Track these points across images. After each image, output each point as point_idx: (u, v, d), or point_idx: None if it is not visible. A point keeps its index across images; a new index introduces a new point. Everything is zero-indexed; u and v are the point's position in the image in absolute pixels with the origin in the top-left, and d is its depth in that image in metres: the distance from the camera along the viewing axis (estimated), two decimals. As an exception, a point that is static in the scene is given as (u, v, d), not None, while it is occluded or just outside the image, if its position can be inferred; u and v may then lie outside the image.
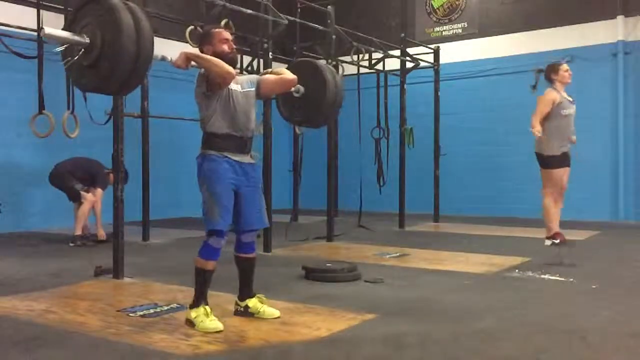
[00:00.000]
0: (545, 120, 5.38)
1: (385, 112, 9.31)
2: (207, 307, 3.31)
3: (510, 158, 10.11)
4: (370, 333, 3.26)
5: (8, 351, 2.97)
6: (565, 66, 5.52)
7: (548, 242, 5.53)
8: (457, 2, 11.20)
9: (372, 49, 8.73)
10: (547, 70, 5.55)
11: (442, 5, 11.37)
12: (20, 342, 3.10)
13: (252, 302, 3.55)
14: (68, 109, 6.21)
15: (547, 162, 5.40)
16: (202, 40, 3.49)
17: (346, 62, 8.77)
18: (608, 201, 9.65)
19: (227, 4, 6.02)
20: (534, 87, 5.56)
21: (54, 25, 3.34)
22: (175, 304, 3.83)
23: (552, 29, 10.13)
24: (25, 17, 6.89)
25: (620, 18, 9.52)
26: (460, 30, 11.18)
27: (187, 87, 3.48)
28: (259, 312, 3.52)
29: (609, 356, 2.89)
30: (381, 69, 9.22)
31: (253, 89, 3.54)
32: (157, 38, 7.84)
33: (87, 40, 3.13)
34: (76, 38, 3.15)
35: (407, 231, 8.51)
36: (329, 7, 7.34)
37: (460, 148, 10.48)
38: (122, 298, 4.14)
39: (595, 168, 9.58)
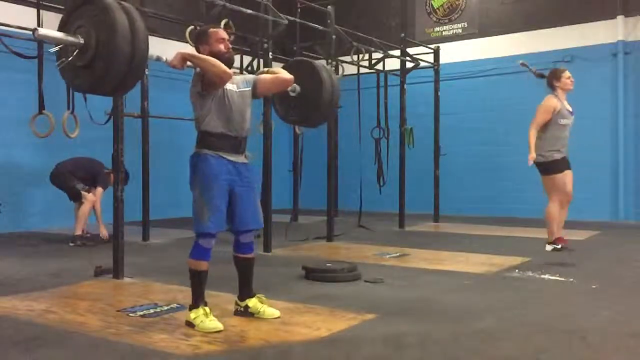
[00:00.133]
0: (542, 127, 5.35)
1: (385, 112, 9.31)
2: (206, 307, 3.31)
3: (510, 158, 10.10)
4: (370, 333, 3.26)
5: (8, 351, 2.96)
6: (567, 73, 5.46)
7: (549, 248, 5.48)
8: (457, 2, 11.20)
9: (372, 49, 8.73)
10: (549, 76, 5.49)
11: (442, 5, 11.37)
12: (20, 342, 3.10)
13: (252, 302, 3.54)
14: (68, 109, 6.21)
15: (548, 168, 5.35)
16: (199, 40, 3.47)
17: (346, 62, 8.77)
18: (608, 201, 9.65)
19: (227, 4, 6.02)
20: (540, 75, 5.53)
21: (54, 25, 3.33)
22: (175, 304, 3.83)
23: (552, 29, 10.13)
24: (25, 17, 6.89)
25: (620, 18, 9.52)
26: (460, 30, 11.18)
27: (186, 87, 3.47)
28: (259, 312, 3.52)
29: (609, 356, 2.89)
30: (381, 69, 9.22)
31: (249, 88, 3.53)
32: (157, 38, 7.92)
33: (82, 40, 3.12)
34: (70, 39, 3.14)
35: (407, 231, 8.51)
36: (329, 7, 7.34)
37: (460, 148, 10.48)
38: (122, 298, 4.13)
39: (595, 168, 9.58)
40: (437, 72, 9.57)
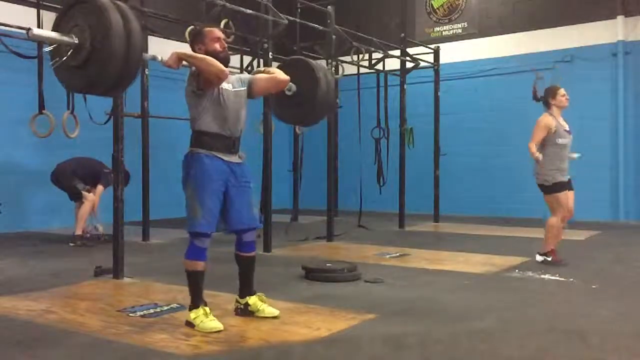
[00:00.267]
0: (541, 147, 5.37)
1: (385, 112, 9.31)
2: (205, 307, 3.31)
3: (510, 158, 10.10)
4: (370, 333, 3.26)
5: (8, 351, 2.97)
6: (562, 90, 5.48)
7: (539, 258, 5.51)
8: (457, 2, 11.20)
9: (372, 49, 8.72)
10: (545, 94, 5.51)
11: (442, 5, 11.36)
12: (20, 342, 3.10)
13: (252, 300, 3.55)
14: (68, 109, 6.20)
15: (551, 189, 5.38)
16: (194, 40, 3.47)
17: (346, 62, 8.76)
18: (608, 201, 9.65)
19: (227, 4, 6.02)
20: (535, 97, 5.55)
21: (54, 26, 3.33)
22: (175, 304, 3.83)
23: (552, 29, 10.12)
24: (25, 17, 6.88)
25: (620, 18, 9.51)
26: (460, 30, 11.18)
27: (186, 87, 3.47)
28: (259, 310, 3.52)
29: (609, 356, 2.89)
30: (381, 69, 9.22)
31: (244, 88, 3.53)
32: (157, 38, 7.89)
33: (76, 40, 3.12)
34: (64, 38, 3.13)
35: (407, 231, 8.51)
36: (329, 7, 7.33)
37: (460, 148, 10.47)
38: (122, 298, 4.14)
39: (595, 168, 9.56)
40: (437, 72, 9.57)
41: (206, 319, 3.26)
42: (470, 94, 10.73)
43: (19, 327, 3.40)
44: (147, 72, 7.13)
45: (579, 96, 9.48)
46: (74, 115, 6.26)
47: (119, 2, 3.20)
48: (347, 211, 9.92)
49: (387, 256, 5.98)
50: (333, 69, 7.31)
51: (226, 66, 3.41)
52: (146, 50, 6.74)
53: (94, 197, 6.99)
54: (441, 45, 9.97)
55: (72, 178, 6.95)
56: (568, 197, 5.42)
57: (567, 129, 5.47)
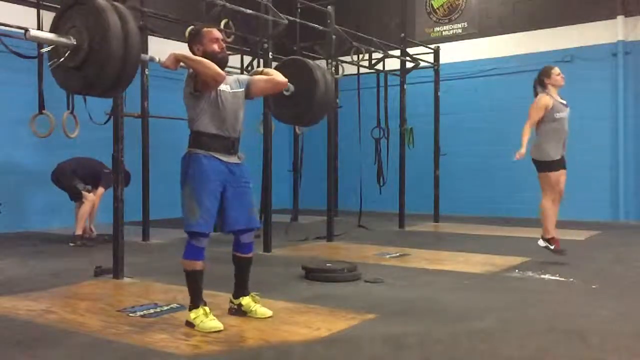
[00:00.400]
0: (540, 124, 5.42)
1: (385, 112, 9.31)
2: (205, 307, 3.31)
3: (510, 158, 10.00)
4: (370, 333, 3.26)
5: (8, 351, 2.96)
6: (557, 69, 5.53)
7: (542, 243, 5.56)
8: (457, 2, 11.20)
9: (372, 49, 8.72)
10: (539, 74, 5.56)
11: (442, 5, 11.36)
12: (20, 342, 3.10)
13: (245, 301, 3.55)
14: (68, 109, 6.20)
15: (545, 166, 5.42)
16: (192, 40, 3.45)
17: (346, 62, 8.77)
18: (608, 201, 9.65)
19: (227, 4, 6.02)
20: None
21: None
22: (175, 304, 3.83)
23: (552, 29, 10.12)
24: (25, 17, 6.88)
25: (620, 18, 9.51)
26: (460, 30, 11.18)
27: (187, 87, 3.46)
28: (251, 310, 3.52)
29: (609, 356, 2.89)
30: (381, 69, 9.22)
31: (242, 89, 3.52)
32: (157, 38, 7.89)
33: (74, 41, 3.12)
34: (62, 40, 3.13)
35: (407, 231, 8.51)
36: (329, 7, 7.33)
37: (460, 148, 10.47)
38: (122, 298, 4.14)
39: (596, 168, 9.58)
40: (437, 72, 9.57)
41: (206, 319, 3.26)
42: (470, 94, 10.73)
43: (19, 327, 3.40)
44: (147, 72, 7.13)
45: (579, 96, 9.49)
46: (73, 115, 6.26)
47: (116, 4, 3.20)
48: (347, 211, 9.92)
49: (387, 256, 5.98)
50: (333, 69, 7.30)
51: (224, 67, 3.41)
52: (146, 50, 6.78)
53: (94, 197, 6.99)
54: (441, 45, 9.97)
55: (72, 178, 6.95)
56: (559, 177, 5.46)
57: (564, 102, 5.52)
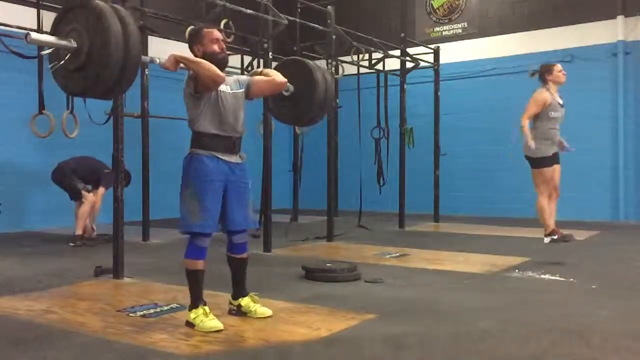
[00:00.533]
0: (534, 120, 5.43)
1: (385, 112, 9.31)
2: (205, 307, 3.31)
3: (510, 158, 10.08)
4: (370, 333, 3.26)
5: (8, 351, 2.96)
6: (559, 66, 5.53)
7: (547, 240, 5.57)
8: (457, 2, 11.20)
9: (372, 49, 8.72)
10: (541, 70, 5.56)
11: (442, 5, 11.37)
12: (20, 342, 3.10)
13: (245, 301, 3.55)
14: (67, 108, 6.21)
15: (539, 162, 5.43)
16: (192, 40, 3.46)
17: (346, 62, 8.77)
18: (608, 201, 9.65)
19: (227, 4, 6.02)
20: (533, 73, 5.58)
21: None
22: (175, 304, 3.83)
23: (552, 29, 10.12)
24: (25, 17, 6.89)
25: (620, 18, 9.52)
26: (460, 30, 11.18)
27: (187, 87, 3.46)
28: (251, 311, 3.52)
29: (609, 356, 2.89)
30: (381, 69, 9.22)
31: (242, 90, 3.52)
32: (157, 38, 7.88)
33: (75, 44, 3.12)
34: (63, 43, 3.14)
35: (407, 231, 8.51)
36: (329, 7, 7.33)
37: (460, 148, 10.48)
38: (122, 298, 4.14)
39: (596, 168, 9.58)
40: (437, 72, 9.57)
41: (206, 319, 3.26)
42: (470, 94, 10.73)
43: (19, 327, 3.40)
44: (147, 72, 7.13)
45: (579, 96, 9.51)
46: (73, 115, 6.26)
47: (117, 6, 3.21)
48: (347, 211, 9.92)
49: (387, 256, 5.98)
50: (333, 69, 7.30)
51: (224, 68, 3.42)
52: (146, 51, 6.78)
53: (93, 197, 7.00)
54: (441, 45, 9.98)
55: (72, 177, 6.95)
56: (553, 172, 5.46)
57: (561, 102, 5.52)
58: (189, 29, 6.47)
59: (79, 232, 6.82)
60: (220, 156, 3.37)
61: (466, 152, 10.65)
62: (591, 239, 7.42)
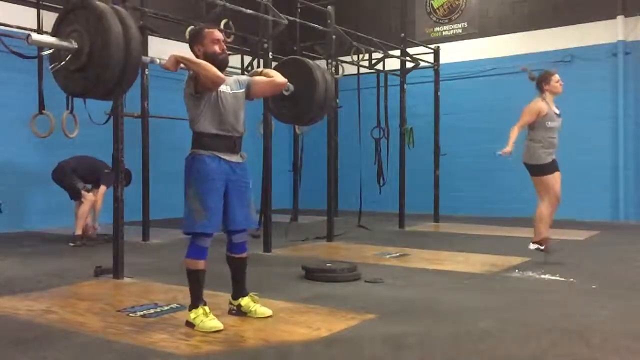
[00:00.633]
0: (531, 129, 5.41)
1: (385, 112, 9.31)
2: (205, 307, 3.31)
3: (510, 158, 10.07)
4: (370, 333, 3.26)
5: (8, 351, 2.96)
6: (557, 76, 5.49)
7: (533, 247, 5.55)
8: (457, 2, 11.20)
9: (372, 49, 8.72)
10: (538, 78, 5.52)
11: (442, 5, 11.37)
12: (20, 342, 3.10)
13: (245, 301, 3.55)
14: (67, 108, 6.21)
15: (538, 169, 5.41)
16: (193, 40, 3.46)
17: (346, 62, 8.77)
18: (608, 201, 9.65)
19: (227, 4, 6.02)
20: (532, 78, 5.56)
21: (54, 26, 3.34)
22: (175, 304, 3.83)
23: (552, 29, 10.12)
24: (25, 17, 6.89)
25: (620, 18, 9.52)
26: (460, 30, 11.18)
27: (187, 87, 3.46)
28: (251, 311, 3.52)
29: (609, 356, 2.89)
30: (381, 69, 9.22)
31: (242, 90, 3.53)
32: (157, 38, 7.89)
33: (75, 45, 3.13)
34: (64, 44, 3.14)
35: (407, 231, 8.51)
36: (329, 7, 7.33)
37: (460, 148, 10.47)
38: (122, 298, 4.14)
39: (596, 168, 9.58)
40: (437, 72, 9.57)
41: (206, 319, 3.26)
42: (470, 94, 10.73)
43: (19, 327, 3.40)
44: (147, 72, 7.13)
45: (579, 96, 9.52)
46: (73, 115, 6.27)
47: (117, 7, 3.21)
48: (347, 211, 9.92)
49: (387, 256, 5.98)
50: (333, 69, 7.30)
51: (225, 68, 3.42)
52: (146, 50, 6.78)
53: (93, 197, 7.00)
54: (441, 45, 9.98)
55: (72, 177, 6.95)
56: (555, 179, 5.42)
57: (558, 112, 5.49)
58: (189, 29, 6.48)
59: (78, 232, 6.82)
60: (221, 156, 3.37)
61: (466, 152, 10.65)
62: (591, 239, 7.42)
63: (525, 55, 10.09)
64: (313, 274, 4.72)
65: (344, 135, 10.46)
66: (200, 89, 3.31)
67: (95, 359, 2.92)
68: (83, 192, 6.93)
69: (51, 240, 7.19)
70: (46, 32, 3.49)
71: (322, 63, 6.50)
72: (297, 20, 7.28)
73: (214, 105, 3.36)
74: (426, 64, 9.34)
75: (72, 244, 6.73)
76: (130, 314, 3.61)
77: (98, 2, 3.18)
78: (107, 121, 5.60)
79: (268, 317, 3.50)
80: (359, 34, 8.45)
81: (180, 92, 3.42)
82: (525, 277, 4.90)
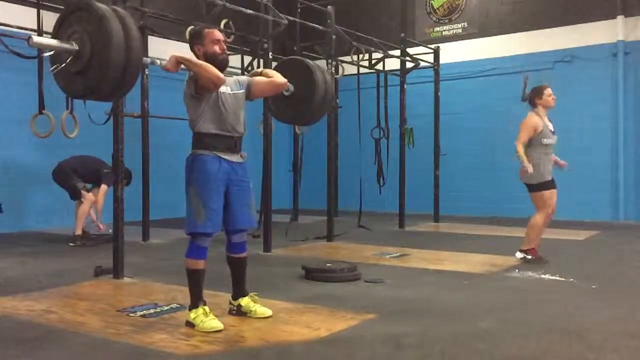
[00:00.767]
0: (527, 147, 5.38)
1: (385, 112, 9.31)
2: (205, 307, 3.32)
3: (510, 158, 10.09)
4: (370, 333, 3.26)
5: (8, 351, 2.97)
6: (549, 90, 5.47)
7: (520, 255, 5.53)
8: (457, 2, 11.20)
9: (372, 49, 8.72)
10: (531, 93, 5.50)
11: (442, 5, 11.37)
12: (20, 342, 3.10)
13: (245, 301, 3.55)
14: (67, 108, 6.21)
15: (538, 187, 5.40)
16: (193, 40, 3.46)
17: (346, 62, 8.77)
18: (608, 201, 9.65)
19: (227, 4, 6.02)
20: (524, 98, 5.56)
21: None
22: (175, 304, 3.83)
23: (552, 29, 10.12)
24: (25, 17, 6.89)
25: (620, 18, 9.51)
26: (460, 30, 11.18)
27: (187, 87, 3.46)
28: (251, 311, 3.52)
29: (609, 356, 2.89)
30: (381, 69, 9.22)
31: (242, 90, 3.53)
32: (157, 38, 7.88)
33: (76, 47, 3.13)
34: (65, 46, 3.15)
35: (407, 231, 8.51)
36: (329, 7, 7.33)
37: (460, 148, 10.48)
38: (122, 298, 4.14)
39: (595, 168, 9.58)
40: (437, 72, 9.57)
41: (206, 319, 3.26)
42: (470, 94, 10.73)
43: (19, 327, 3.40)
44: (147, 72, 7.13)
45: (579, 96, 9.53)
46: (73, 115, 6.27)
47: (118, 9, 3.21)
48: (347, 211, 9.92)
49: (387, 256, 5.98)
50: (333, 69, 7.30)
51: (225, 69, 3.42)
52: (146, 51, 6.78)
53: (93, 197, 7.00)
54: (441, 45, 9.98)
55: (72, 177, 6.95)
56: (552, 194, 5.44)
57: (552, 129, 5.48)
58: (189, 29, 6.48)
59: (78, 232, 6.82)
60: (221, 155, 3.38)
61: (466, 152, 10.65)
62: (591, 239, 7.42)
63: (525, 55, 10.09)
64: (313, 274, 4.72)
65: (344, 135, 10.46)
66: (200, 89, 3.32)
67: (95, 359, 2.92)
68: (83, 192, 6.93)
69: (51, 240, 7.19)
70: (46, 33, 3.49)
71: (322, 63, 6.50)
72: (297, 20, 7.28)
73: (214, 105, 3.36)
74: (426, 64, 9.34)
75: (72, 244, 6.73)
76: (130, 314, 3.61)
77: (99, 4, 3.18)
78: (107, 121, 5.60)
79: (268, 317, 3.50)
80: (359, 34, 8.45)
81: (180, 92, 3.43)
82: (525, 277, 4.90)
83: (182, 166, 3.41)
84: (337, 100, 9.55)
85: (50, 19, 6.22)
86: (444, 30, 11.34)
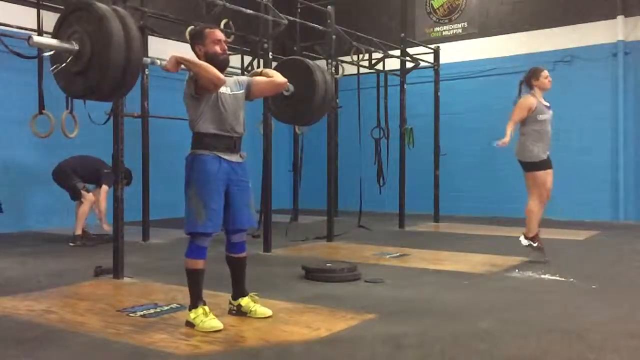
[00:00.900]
0: (523, 125, 5.45)
1: (385, 112, 9.31)
2: (205, 306, 3.32)
3: (510, 158, 10.06)
4: (370, 333, 3.26)
5: (8, 351, 2.97)
6: (545, 72, 5.55)
7: (525, 242, 5.56)
8: (457, 2, 11.20)
9: (372, 49, 8.72)
10: (528, 74, 5.58)
11: (442, 5, 11.36)
12: (20, 342, 3.10)
13: (245, 301, 3.55)
14: (67, 108, 6.20)
15: (532, 166, 5.43)
16: (194, 40, 3.46)
17: (346, 62, 8.77)
18: (608, 201, 9.64)
19: (227, 4, 6.02)
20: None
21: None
22: (175, 304, 3.83)
23: (552, 29, 10.12)
24: (25, 17, 6.89)
25: (620, 18, 9.51)
26: (460, 30, 11.18)
27: (187, 87, 3.46)
28: (251, 311, 3.52)
29: (609, 356, 2.89)
30: (381, 69, 9.22)
31: (242, 90, 3.53)
32: (157, 38, 7.88)
33: (76, 47, 3.13)
34: (65, 45, 3.15)
35: (407, 231, 8.51)
36: (329, 7, 7.33)
37: (460, 148, 10.47)
38: (122, 298, 4.14)
39: (595, 168, 9.58)
40: (437, 72, 9.57)
41: (206, 319, 3.26)
42: (470, 94, 10.72)
43: (19, 327, 3.40)
44: (147, 72, 7.13)
45: (579, 96, 9.53)
46: (72, 115, 6.26)
47: (118, 9, 3.21)
48: (347, 211, 9.92)
49: (387, 256, 5.98)
50: (333, 69, 7.30)
51: (225, 69, 3.42)
52: (146, 50, 6.78)
53: (93, 197, 7.00)
54: (441, 45, 9.98)
55: (72, 177, 6.95)
56: (547, 176, 5.46)
57: (547, 105, 5.53)
58: (189, 29, 6.48)
59: (78, 232, 6.82)
60: (221, 155, 3.38)
61: (466, 152, 10.64)
62: (591, 239, 7.41)
63: (526, 55, 10.08)
64: (313, 274, 4.73)
65: (344, 135, 10.46)
66: (200, 90, 3.32)
67: (95, 359, 2.92)
68: (83, 192, 6.93)
69: (51, 240, 7.19)
70: (46, 33, 3.50)
71: (322, 63, 6.50)
72: (297, 20, 7.28)
73: (214, 106, 3.36)
74: (426, 64, 9.34)
75: (72, 244, 6.73)
76: (130, 314, 3.61)
77: (99, 4, 3.18)
78: (107, 121, 5.60)
79: (268, 317, 3.50)
80: (359, 34, 8.45)
81: (180, 92, 3.43)
82: (525, 277, 4.90)
83: (182, 166, 3.41)
84: (337, 100, 9.55)
85: (50, 19, 6.22)
86: (444, 30, 11.34)
